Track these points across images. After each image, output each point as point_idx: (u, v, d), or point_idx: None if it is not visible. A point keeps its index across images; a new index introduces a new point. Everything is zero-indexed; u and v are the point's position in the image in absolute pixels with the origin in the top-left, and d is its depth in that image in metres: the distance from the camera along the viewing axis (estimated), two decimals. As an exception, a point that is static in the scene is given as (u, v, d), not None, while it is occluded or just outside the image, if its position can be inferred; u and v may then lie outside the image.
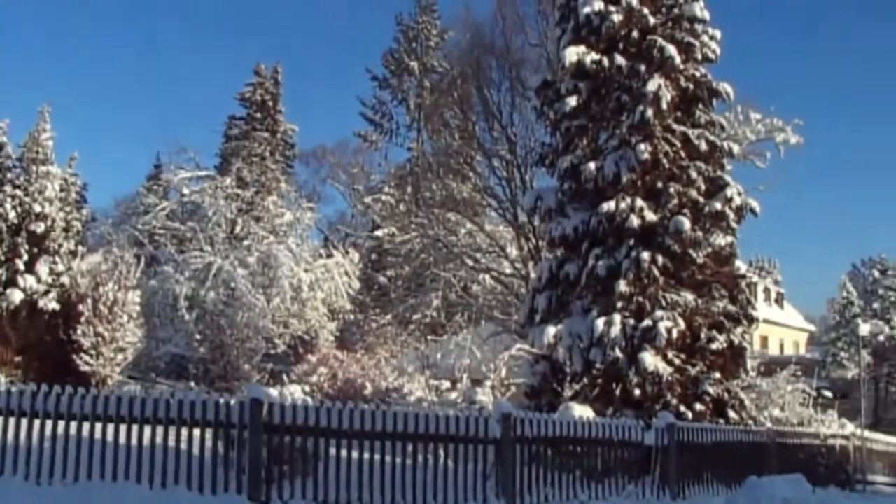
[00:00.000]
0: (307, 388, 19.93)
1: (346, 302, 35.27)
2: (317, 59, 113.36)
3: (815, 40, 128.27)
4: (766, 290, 61.82)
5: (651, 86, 19.46)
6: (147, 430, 11.01)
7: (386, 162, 52.24)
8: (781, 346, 59.82)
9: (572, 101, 20.30)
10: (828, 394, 29.78)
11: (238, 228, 35.29)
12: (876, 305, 57.01)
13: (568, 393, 18.56)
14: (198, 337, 31.55)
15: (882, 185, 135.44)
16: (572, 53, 20.18)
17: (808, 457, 21.15)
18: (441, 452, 12.79)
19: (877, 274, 58.85)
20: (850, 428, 24.48)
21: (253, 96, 51.98)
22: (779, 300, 65.39)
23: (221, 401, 11.38)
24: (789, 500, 11.50)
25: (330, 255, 36.48)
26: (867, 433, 25.41)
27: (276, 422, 11.44)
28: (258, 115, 51.60)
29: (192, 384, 29.04)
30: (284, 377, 23.63)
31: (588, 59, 20.14)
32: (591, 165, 19.65)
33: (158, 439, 11.03)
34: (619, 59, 20.17)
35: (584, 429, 14.86)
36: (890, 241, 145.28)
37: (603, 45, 20.51)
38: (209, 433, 11.29)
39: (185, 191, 36.66)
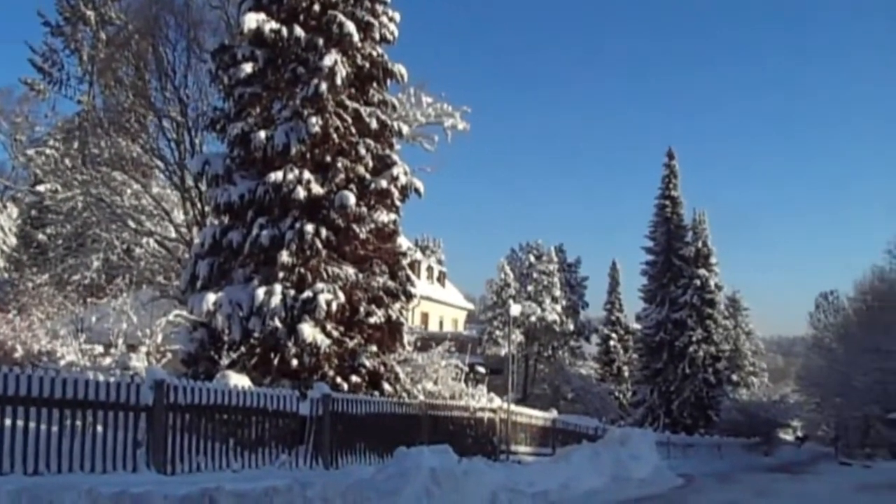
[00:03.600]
0: (-49, 350, 18.55)
1: (0, 259, 33.08)
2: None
3: (489, 36, 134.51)
4: (430, 269, 64.09)
5: (327, 60, 19.63)
6: None
7: (53, 114, 48.69)
8: (441, 323, 62.29)
9: (248, 67, 20.07)
10: (481, 369, 31.28)
11: None
12: (530, 288, 60.46)
13: (226, 361, 18.41)
14: None
15: (541, 173, 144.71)
16: (252, 20, 19.96)
17: (458, 428, 22.32)
18: (91, 419, 12.30)
19: (532, 258, 62.39)
20: (497, 402, 25.94)
21: None
22: (441, 279, 68.04)
23: None
24: (435, 470, 12.03)
25: (-15, 209, 34.06)
26: (514, 407, 27.02)
27: None
28: None
29: None
30: (-73, 337, 21.81)
31: (267, 28, 20.00)
32: (262, 134, 19.54)
33: None
34: (299, 31, 20.17)
35: (238, 398, 14.88)
36: (545, 228, 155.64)
37: (284, 14, 20.48)
38: None
39: None
